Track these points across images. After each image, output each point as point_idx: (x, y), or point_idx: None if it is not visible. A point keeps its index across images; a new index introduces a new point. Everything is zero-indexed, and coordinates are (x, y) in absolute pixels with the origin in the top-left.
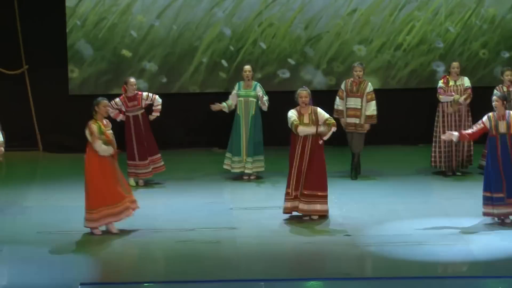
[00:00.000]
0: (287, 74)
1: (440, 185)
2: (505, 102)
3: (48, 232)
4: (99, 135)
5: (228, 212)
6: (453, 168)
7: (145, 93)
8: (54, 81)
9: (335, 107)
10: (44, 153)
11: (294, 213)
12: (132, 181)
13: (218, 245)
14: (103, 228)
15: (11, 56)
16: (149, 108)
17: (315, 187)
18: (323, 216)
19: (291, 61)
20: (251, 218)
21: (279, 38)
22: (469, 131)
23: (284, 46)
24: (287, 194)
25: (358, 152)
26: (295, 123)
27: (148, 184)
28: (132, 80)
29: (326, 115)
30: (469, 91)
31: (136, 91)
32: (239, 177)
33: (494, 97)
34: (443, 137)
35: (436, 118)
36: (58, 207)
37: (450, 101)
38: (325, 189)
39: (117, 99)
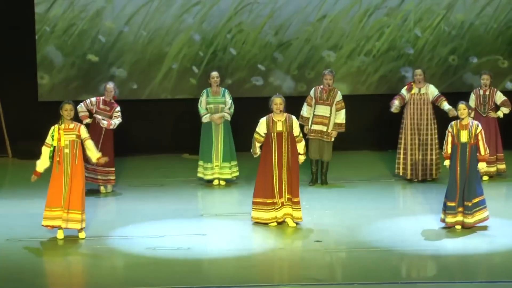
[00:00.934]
0: (260, 82)
1: (410, 191)
2: (470, 111)
3: (17, 240)
4: (50, 141)
5: (199, 219)
6: (420, 176)
7: (119, 108)
8: (23, 88)
9: (302, 113)
10: (14, 159)
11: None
12: (102, 189)
13: (188, 252)
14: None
15: None
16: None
17: (296, 193)
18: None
19: (261, 67)
20: (221, 225)
21: (249, 44)
22: (446, 149)
23: (254, 52)
24: (272, 204)
25: (328, 160)
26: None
27: (118, 190)
28: (109, 86)
29: (298, 131)
30: (442, 98)
31: (113, 100)
32: (209, 183)
33: (461, 105)
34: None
35: (401, 125)
36: (27, 214)
37: (446, 108)
38: (298, 195)
39: (93, 98)
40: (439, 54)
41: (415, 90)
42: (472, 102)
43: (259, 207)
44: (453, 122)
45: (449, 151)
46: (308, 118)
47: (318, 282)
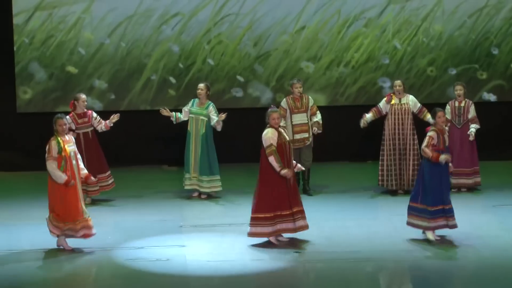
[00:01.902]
0: (240, 93)
1: (389, 202)
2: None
3: None
4: (58, 153)
5: (178, 230)
6: (402, 186)
7: (94, 113)
8: (2, 99)
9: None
10: None
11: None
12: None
13: (168, 263)
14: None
15: None
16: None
17: (301, 203)
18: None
19: (240, 78)
20: (201, 236)
21: (228, 56)
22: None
23: (233, 63)
24: (289, 215)
25: (309, 167)
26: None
27: (97, 201)
28: (84, 96)
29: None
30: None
31: (85, 109)
32: (189, 195)
33: (440, 113)
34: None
35: (382, 137)
36: (6, 226)
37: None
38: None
39: (67, 117)
40: (418, 65)
41: (395, 101)
42: (448, 114)
43: (262, 222)
44: (434, 129)
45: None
46: (284, 127)
47: None
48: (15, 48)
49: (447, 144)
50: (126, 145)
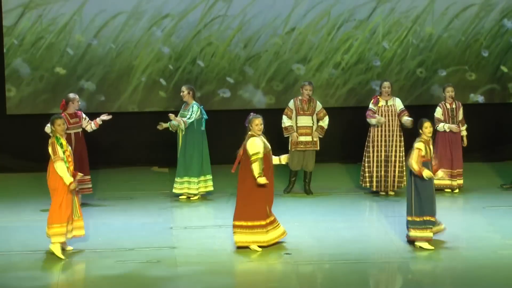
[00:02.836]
0: (227, 94)
1: (379, 204)
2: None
3: None
4: (62, 154)
5: (168, 231)
6: (385, 187)
7: (83, 114)
8: None
9: (283, 125)
10: None
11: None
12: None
13: (158, 265)
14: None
15: None
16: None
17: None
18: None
19: (230, 80)
20: (191, 237)
21: (218, 57)
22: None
23: (223, 65)
24: (272, 223)
25: (311, 170)
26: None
27: (87, 203)
28: (78, 97)
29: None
30: (405, 112)
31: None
32: (178, 196)
33: (427, 123)
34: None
35: (367, 138)
36: None
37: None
38: None
39: None
40: (408, 67)
41: (382, 103)
42: (439, 115)
43: (249, 230)
44: (422, 140)
45: (420, 167)
46: (292, 126)
47: None
48: (4, 50)
49: (432, 153)
50: (115, 146)
